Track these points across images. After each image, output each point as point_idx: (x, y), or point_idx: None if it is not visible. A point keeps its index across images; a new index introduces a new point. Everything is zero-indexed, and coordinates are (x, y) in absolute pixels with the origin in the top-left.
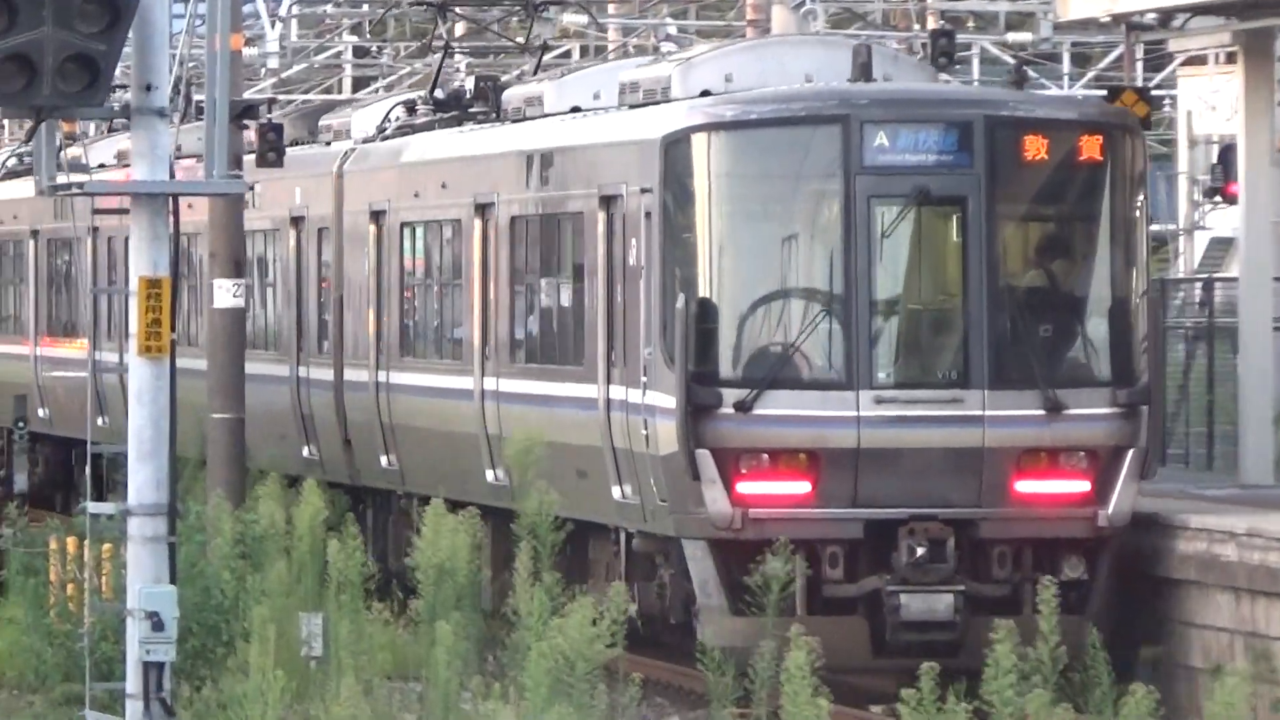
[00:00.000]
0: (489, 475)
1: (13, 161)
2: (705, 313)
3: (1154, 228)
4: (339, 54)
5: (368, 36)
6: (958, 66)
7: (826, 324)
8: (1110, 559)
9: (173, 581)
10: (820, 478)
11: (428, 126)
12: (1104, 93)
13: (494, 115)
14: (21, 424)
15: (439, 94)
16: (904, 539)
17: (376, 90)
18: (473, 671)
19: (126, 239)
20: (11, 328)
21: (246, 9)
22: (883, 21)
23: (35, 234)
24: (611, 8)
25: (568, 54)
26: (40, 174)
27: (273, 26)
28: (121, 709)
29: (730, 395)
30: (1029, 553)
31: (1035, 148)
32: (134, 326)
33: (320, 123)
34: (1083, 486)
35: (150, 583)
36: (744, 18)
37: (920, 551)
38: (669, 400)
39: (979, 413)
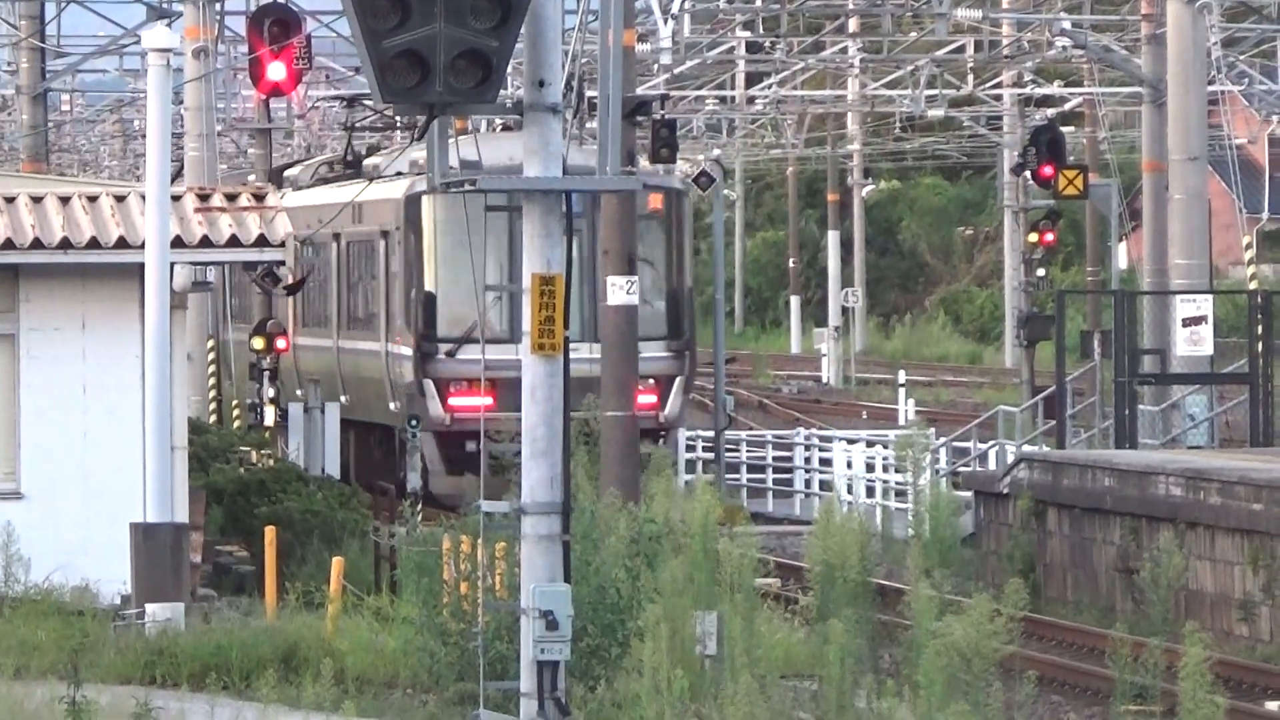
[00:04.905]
0: None
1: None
2: (429, 300)
3: None
4: (731, 49)
5: (760, 32)
6: None
7: (499, 306)
8: (670, 440)
9: (567, 580)
10: (497, 395)
11: None
12: None
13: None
14: (414, 422)
15: None
16: None
17: (770, 86)
18: (866, 669)
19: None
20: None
21: (639, 4)
22: (1278, 15)
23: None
24: (1005, 2)
25: (961, 49)
26: (433, 171)
27: (665, 22)
28: (516, 708)
29: (443, 347)
30: None
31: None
32: (527, 324)
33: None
34: (652, 399)
35: (544, 581)
36: (1138, 11)
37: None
38: (409, 349)
39: (591, 356)
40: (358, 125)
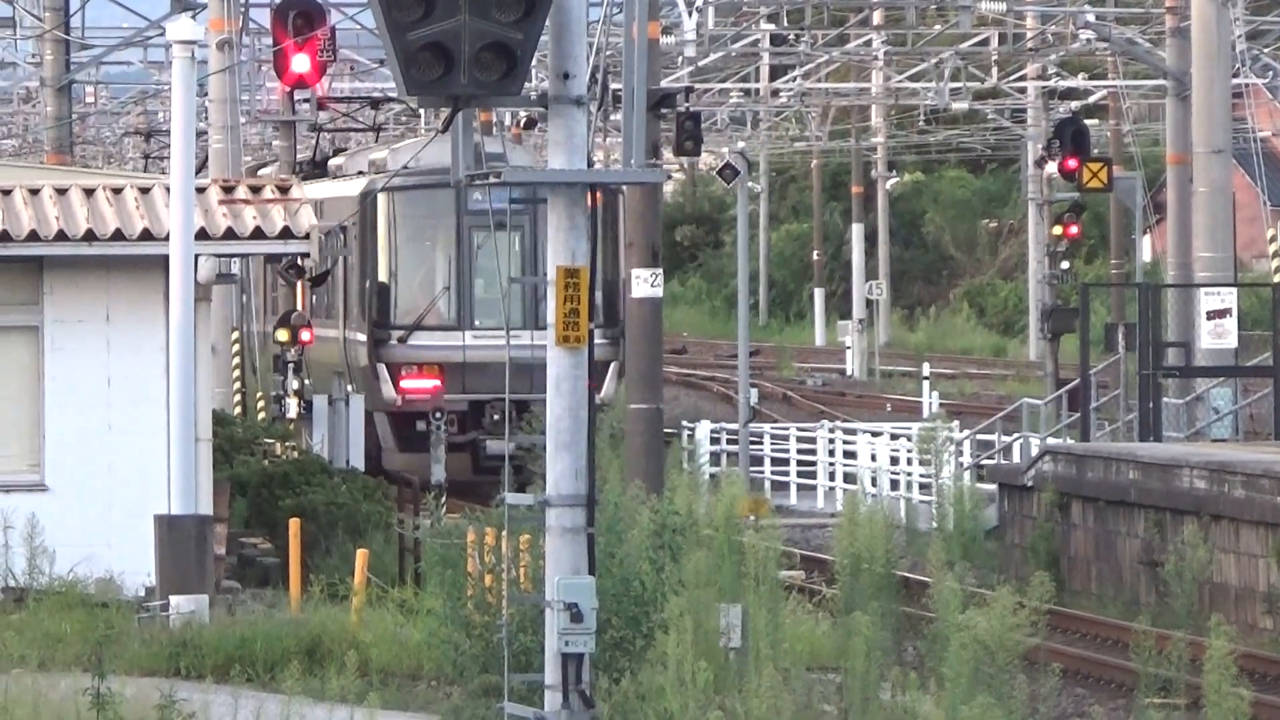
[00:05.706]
0: None
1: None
2: (382, 289)
3: None
4: (756, 42)
5: (784, 25)
6: None
7: (447, 295)
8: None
9: (591, 573)
10: (445, 378)
11: None
12: None
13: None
14: (438, 414)
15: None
16: (489, 411)
17: (794, 79)
18: (891, 661)
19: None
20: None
21: None
22: None
23: None
24: None
25: (985, 42)
26: (457, 164)
27: (689, 15)
28: (540, 701)
29: (395, 333)
30: None
31: None
32: (551, 316)
33: None
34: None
35: (568, 574)
36: (1163, 4)
37: (497, 418)
38: (364, 336)
39: (529, 343)
40: (325, 127)
